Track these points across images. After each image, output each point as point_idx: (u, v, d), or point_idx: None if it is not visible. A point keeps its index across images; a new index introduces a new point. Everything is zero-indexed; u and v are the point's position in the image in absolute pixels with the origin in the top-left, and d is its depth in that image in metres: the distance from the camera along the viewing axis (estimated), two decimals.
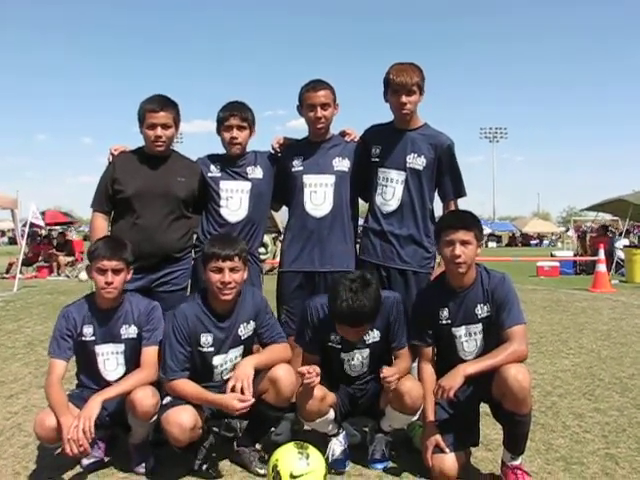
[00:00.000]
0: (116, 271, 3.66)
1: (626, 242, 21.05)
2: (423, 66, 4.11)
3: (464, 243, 3.53)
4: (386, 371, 3.53)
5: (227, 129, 4.24)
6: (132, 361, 3.77)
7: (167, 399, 3.65)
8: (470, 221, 3.64)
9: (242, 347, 3.82)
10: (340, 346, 3.82)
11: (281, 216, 18.12)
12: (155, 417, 3.58)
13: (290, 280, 4.29)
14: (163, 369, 3.65)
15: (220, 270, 3.60)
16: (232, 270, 3.62)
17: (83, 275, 18.08)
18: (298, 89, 4.31)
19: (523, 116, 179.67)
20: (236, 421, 3.91)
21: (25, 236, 17.97)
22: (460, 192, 4.30)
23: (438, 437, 3.49)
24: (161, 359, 3.71)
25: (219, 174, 4.31)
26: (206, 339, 3.71)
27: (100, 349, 3.77)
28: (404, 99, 4.02)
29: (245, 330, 3.79)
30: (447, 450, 3.46)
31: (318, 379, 3.56)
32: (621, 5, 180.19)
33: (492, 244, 57.15)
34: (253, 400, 3.39)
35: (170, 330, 3.69)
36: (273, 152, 4.48)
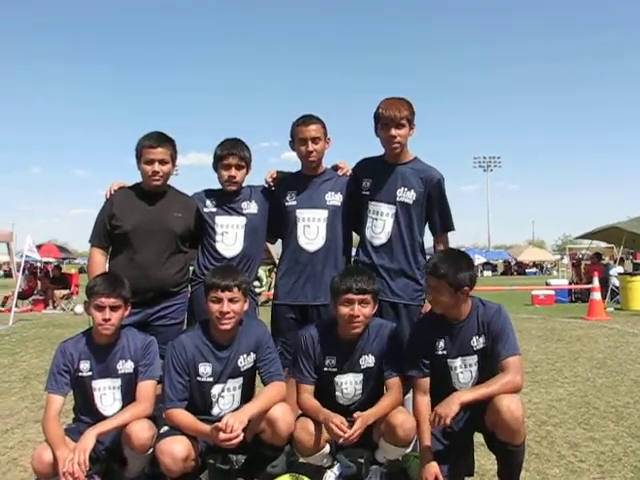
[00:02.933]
0: (114, 308, 3.70)
1: (620, 269, 21.13)
2: (415, 95, 4.24)
3: (435, 289, 3.61)
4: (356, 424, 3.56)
5: (225, 167, 4.30)
6: (129, 396, 3.77)
7: (164, 429, 3.68)
8: (441, 269, 3.56)
9: (241, 379, 3.84)
10: (336, 369, 3.86)
11: (276, 248, 18.15)
12: (151, 450, 3.60)
13: (284, 312, 4.34)
14: (162, 398, 3.72)
15: (219, 300, 3.67)
16: (231, 300, 3.68)
17: (78, 308, 18.06)
18: (293, 120, 4.38)
19: (517, 144, 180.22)
20: (238, 456, 3.94)
21: (21, 269, 17.97)
22: (448, 227, 4.37)
23: (437, 470, 3.48)
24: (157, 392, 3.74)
25: (214, 209, 4.37)
26: (205, 369, 3.75)
27: (97, 384, 3.79)
28: (393, 132, 4.09)
29: (245, 362, 3.82)
30: None
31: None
32: (617, 29, 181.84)
33: (487, 273, 57.18)
34: (238, 436, 3.37)
35: (169, 360, 3.75)
36: (267, 186, 4.55)
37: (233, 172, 4.30)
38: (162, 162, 4.22)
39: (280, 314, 4.37)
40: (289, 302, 4.32)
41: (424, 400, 3.73)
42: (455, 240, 4.38)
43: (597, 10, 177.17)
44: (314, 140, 4.26)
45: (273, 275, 20.48)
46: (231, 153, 4.29)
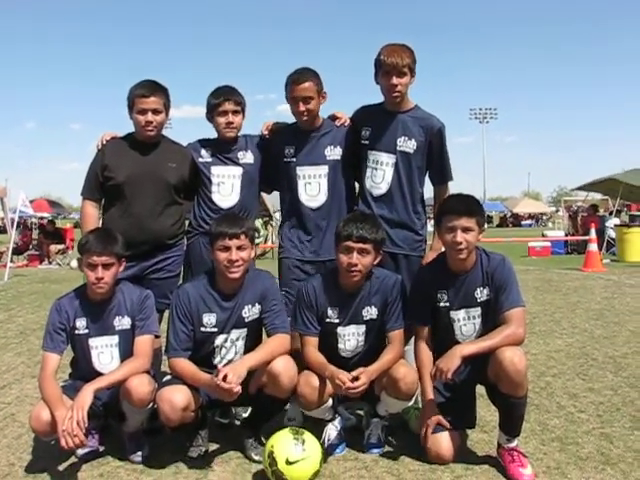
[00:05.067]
0: (106, 266, 3.61)
1: (617, 221, 21.14)
2: (412, 43, 4.07)
3: (466, 230, 3.51)
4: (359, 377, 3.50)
5: (222, 114, 4.19)
6: (127, 354, 3.72)
7: (166, 378, 3.69)
8: (473, 207, 3.61)
9: (245, 330, 3.79)
10: (338, 320, 3.82)
11: (272, 199, 18.03)
12: (151, 404, 3.58)
13: (290, 265, 4.25)
14: (166, 347, 3.72)
15: (227, 248, 3.61)
16: (239, 248, 3.63)
17: (74, 263, 18.00)
18: (289, 72, 4.21)
19: (513, 97, 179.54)
20: (238, 409, 4.04)
21: (15, 225, 17.87)
22: (448, 177, 4.29)
23: (439, 415, 3.51)
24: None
25: (210, 159, 4.28)
26: (209, 319, 3.72)
27: (94, 342, 3.74)
28: (395, 80, 3.96)
29: (250, 312, 3.78)
30: (448, 425, 3.48)
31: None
32: None
33: None
34: (234, 388, 3.32)
35: (173, 309, 3.73)
36: (263, 137, 4.44)
37: (231, 118, 4.20)
38: (155, 112, 4.10)
39: (285, 267, 4.28)
40: (295, 257, 4.24)
41: (425, 349, 3.73)
42: (451, 191, 4.29)
43: None
44: (305, 99, 4.10)
45: (269, 228, 20.53)
46: (227, 99, 4.19)
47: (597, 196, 28.28)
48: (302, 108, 4.11)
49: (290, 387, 3.61)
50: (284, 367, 3.57)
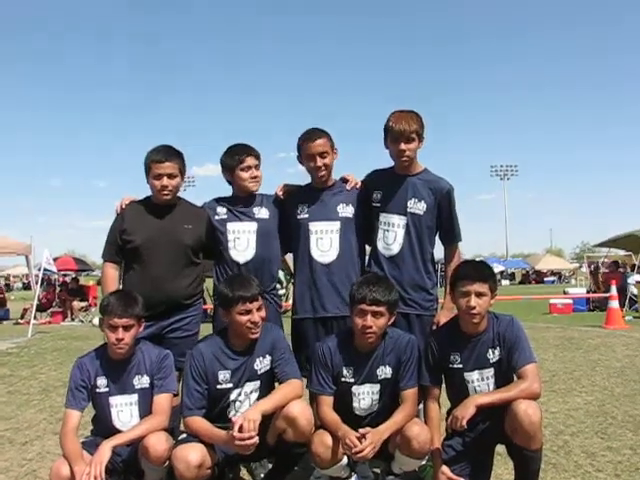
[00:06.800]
0: (127, 327, 3.73)
1: (639, 277, 20.92)
2: (433, 105, 4.30)
3: (479, 295, 3.62)
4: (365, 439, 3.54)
5: (246, 169, 4.34)
6: (146, 412, 3.80)
7: (182, 436, 3.74)
8: (486, 273, 3.74)
9: (259, 382, 3.87)
10: (353, 380, 3.87)
11: (290, 258, 18.07)
12: (168, 462, 3.62)
13: (305, 326, 4.34)
14: (181, 406, 3.77)
15: (248, 312, 3.72)
16: (258, 309, 3.75)
17: (96, 320, 18.11)
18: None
19: (533, 154, 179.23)
20: (257, 469, 4.09)
21: (39, 282, 18.11)
22: (458, 237, 4.41)
23: (447, 470, 3.54)
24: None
25: (225, 216, 4.41)
26: (224, 376, 3.80)
27: (114, 400, 3.82)
28: (403, 146, 4.11)
29: (261, 364, 3.86)
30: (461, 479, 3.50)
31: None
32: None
33: (505, 282, 56.56)
34: (252, 437, 3.37)
35: (187, 368, 3.81)
36: (278, 199, 4.55)
37: (255, 172, 4.37)
38: (170, 176, 4.25)
39: (301, 328, 4.37)
40: (309, 316, 4.32)
41: (435, 407, 3.82)
42: (473, 249, 4.44)
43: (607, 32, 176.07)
44: (322, 155, 4.27)
45: (290, 285, 20.54)
46: (249, 154, 4.35)
47: (620, 252, 28.09)
48: (320, 163, 4.27)
49: (309, 429, 3.65)
50: (300, 410, 3.62)
